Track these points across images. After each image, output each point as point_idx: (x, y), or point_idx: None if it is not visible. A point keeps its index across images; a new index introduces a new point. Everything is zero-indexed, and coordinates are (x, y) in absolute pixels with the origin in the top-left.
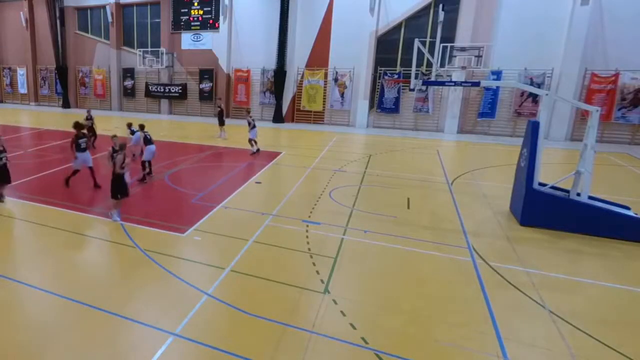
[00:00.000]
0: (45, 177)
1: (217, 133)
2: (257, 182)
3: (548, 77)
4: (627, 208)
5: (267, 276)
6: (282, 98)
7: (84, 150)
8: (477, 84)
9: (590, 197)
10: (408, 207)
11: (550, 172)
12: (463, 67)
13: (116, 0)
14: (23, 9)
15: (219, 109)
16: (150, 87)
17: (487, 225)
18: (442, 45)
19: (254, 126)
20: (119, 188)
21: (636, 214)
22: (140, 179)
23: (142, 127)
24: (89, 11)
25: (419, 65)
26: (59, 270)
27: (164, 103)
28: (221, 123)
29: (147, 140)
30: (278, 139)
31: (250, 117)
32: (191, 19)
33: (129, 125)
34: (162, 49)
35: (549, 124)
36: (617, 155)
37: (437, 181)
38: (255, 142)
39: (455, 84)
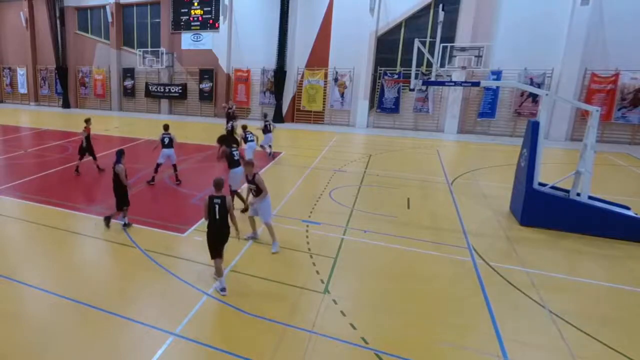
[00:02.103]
0: (46, 177)
1: None
2: None
3: (548, 77)
4: (627, 208)
5: (267, 276)
6: (282, 98)
7: (237, 164)
8: (477, 84)
9: (590, 197)
10: (408, 207)
11: (550, 172)
12: (463, 67)
13: (116, 0)
14: (23, 9)
15: (229, 110)
16: (150, 87)
17: (487, 225)
18: (442, 45)
19: (269, 131)
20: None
21: (636, 214)
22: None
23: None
24: (89, 11)
25: (419, 65)
26: (59, 270)
27: (164, 103)
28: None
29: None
30: (278, 139)
31: (267, 121)
32: (191, 19)
33: (245, 129)
34: (162, 49)
35: (549, 124)
36: (617, 155)
37: (437, 181)
38: (263, 147)
39: (455, 84)
